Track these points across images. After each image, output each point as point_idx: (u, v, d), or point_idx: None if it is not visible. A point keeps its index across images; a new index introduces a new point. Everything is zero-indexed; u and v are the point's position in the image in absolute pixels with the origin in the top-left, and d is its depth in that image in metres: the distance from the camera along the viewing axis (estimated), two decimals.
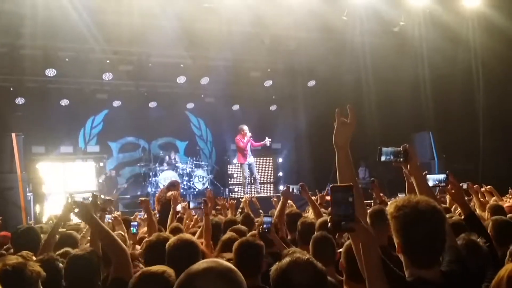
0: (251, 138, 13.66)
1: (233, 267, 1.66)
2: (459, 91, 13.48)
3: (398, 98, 14.12)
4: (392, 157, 2.84)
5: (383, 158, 2.84)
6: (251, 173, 13.89)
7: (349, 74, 15.83)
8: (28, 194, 11.42)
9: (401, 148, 2.85)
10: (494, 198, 6.85)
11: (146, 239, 4.56)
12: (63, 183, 13.30)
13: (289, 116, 17.20)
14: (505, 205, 5.86)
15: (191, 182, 15.14)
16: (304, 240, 4.41)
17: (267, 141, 13.58)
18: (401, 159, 2.83)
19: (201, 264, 1.64)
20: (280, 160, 17.21)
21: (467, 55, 13.41)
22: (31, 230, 4.91)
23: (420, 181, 2.85)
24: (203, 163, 15.97)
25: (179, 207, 7.01)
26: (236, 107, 17.26)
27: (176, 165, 15.28)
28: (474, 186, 6.61)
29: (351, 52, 14.67)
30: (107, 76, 14.52)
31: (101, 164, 14.96)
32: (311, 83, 16.51)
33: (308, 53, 14.50)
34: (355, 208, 2.17)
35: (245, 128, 13.54)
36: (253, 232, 4.95)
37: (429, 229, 2.33)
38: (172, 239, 3.57)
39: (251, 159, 13.81)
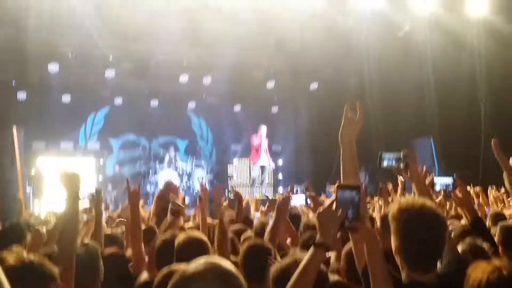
0: (267, 142, 13.91)
1: (233, 269, 1.54)
2: (462, 97, 13.42)
3: (401, 103, 14.06)
4: (394, 163, 2.82)
5: (384, 164, 2.82)
6: (262, 174, 14.08)
7: (352, 78, 15.78)
8: (28, 188, 11.40)
9: (401, 154, 2.82)
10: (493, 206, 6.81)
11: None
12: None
13: (291, 118, 17.16)
14: (507, 213, 5.82)
15: (191, 182, 15.10)
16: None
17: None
18: (402, 165, 2.80)
19: (198, 266, 1.49)
20: (280, 162, 17.18)
21: (471, 61, 13.36)
22: (15, 227, 4.90)
23: (421, 188, 2.82)
24: (203, 163, 15.92)
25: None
26: (237, 107, 17.22)
27: (176, 164, 15.25)
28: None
29: (356, 56, 14.64)
30: (110, 73, 14.48)
31: (101, 161, 14.93)
32: (314, 85, 16.46)
33: (312, 54, 14.46)
34: (360, 209, 2.14)
35: (262, 129, 13.76)
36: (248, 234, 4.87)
37: (430, 235, 2.32)
38: (181, 236, 3.46)
39: (264, 161, 13.92)
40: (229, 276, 1.50)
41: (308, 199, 5.96)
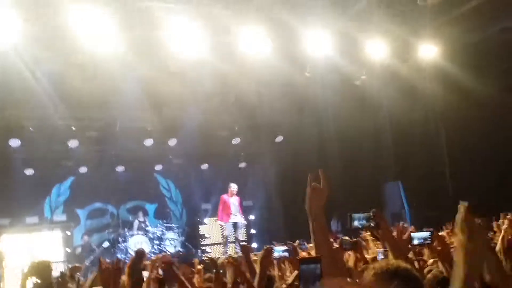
0: (239, 200, 13.80)
1: None
2: (420, 141, 13.81)
3: (363, 149, 14.36)
4: (364, 222, 2.86)
5: (355, 224, 2.85)
6: (235, 232, 13.87)
7: (313, 128, 16.07)
8: None
9: (371, 213, 2.86)
10: None
11: None
12: (29, 256, 12.80)
13: (259, 173, 17.20)
14: None
15: (162, 246, 14.80)
16: None
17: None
18: (372, 225, 2.85)
19: None
20: (252, 217, 17.06)
21: (425, 105, 13.83)
22: None
23: (393, 245, 2.84)
24: (173, 225, 15.69)
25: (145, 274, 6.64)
26: (205, 166, 17.18)
27: (146, 228, 14.96)
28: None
29: (314, 106, 14.96)
30: (73, 143, 14.33)
31: (68, 233, 14.53)
32: (279, 138, 16.64)
33: (273, 109, 14.72)
34: (323, 280, 2.15)
35: (233, 186, 13.67)
36: None
37: None
38: None
39: (236, 218, 13.79)
40: None
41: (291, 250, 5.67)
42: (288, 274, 6.77)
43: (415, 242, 3.48)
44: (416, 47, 13.26)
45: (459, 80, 12.39)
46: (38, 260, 4.21)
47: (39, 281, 3.59)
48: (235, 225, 13.94)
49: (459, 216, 2.04)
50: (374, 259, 4.91)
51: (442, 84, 13.18)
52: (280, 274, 5.95)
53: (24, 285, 4.42)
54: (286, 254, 5.17)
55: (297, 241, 7.48)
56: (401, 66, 13.20)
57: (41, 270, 3.85)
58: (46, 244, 13.88)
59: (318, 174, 2.67)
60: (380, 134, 14.57)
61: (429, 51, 13.22)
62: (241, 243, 5.39)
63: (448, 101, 12.95)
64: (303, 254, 7.48)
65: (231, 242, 14.39)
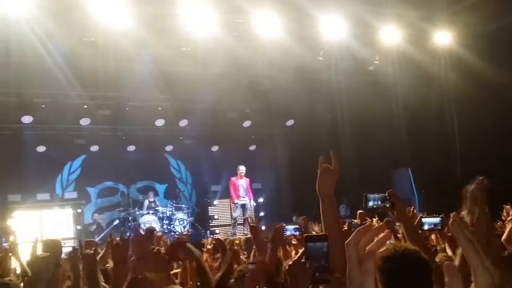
0: (248, 181, 13.83)
1: None
2: (433, 127, 13.71)
3: (375, 135, 14.28)
4: (379, 203, 2.85)
5: (370, 204, 2.85)
6: (243, 214, 13.93)
7: (325, 113, 16.00)
8: (4, 244, 11.11)
9: (386, 194, 2.85)
10: None
11: None
12: (40, 232, 12.95)
13: (269, 156, 17.20)
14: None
15: (172, 226, 14.90)
16: None
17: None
18: (387, 205, 2.84)
19: None
20: (261, 200, 17.10)
21: (439, 92, 13.70)
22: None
23: (407, 226, 2.84)
24: (183, 205, 15.77)
25: None
26: (215, 148, 17.23)
27: (156, 208, 15.06)
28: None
29: (327, 91, 14.87)
30: (85, 121, 14.42)
31: (79, 211, 14.67)
32: (290, 122, 16.61)
33: (285, 92, 14.65)
34: (330, 259, 2.12)
35: (241, 168, 13.70)
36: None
37: (416, 283, 2.30)
38: None
39: (244, 200, 13.84)
40: None
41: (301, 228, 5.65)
42: (293, 255, 6.78)
43: (425, 227, 3.46)
44: (431, 34, 13.10)
45: (474, 68, 12.25)
46: (48, 238, 4.24)
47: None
48: (243, 207, 14.01)
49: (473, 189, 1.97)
50: None
51: (456, 72, 13.04)
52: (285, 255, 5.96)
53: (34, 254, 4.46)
54: (297, 232, 5.20)
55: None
56: (415, 52, 13.06)
57: (51, 248, 3.88)
58: (56, 221, 14.01)
59: (329, 156, 2.67)
60: (393, 120, 14.47)
61: (444, 37, 13.07)
62: (250, 224, 5.37)
63: (462, 89, 12.82)
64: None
65: (240, 224, 14.48)
